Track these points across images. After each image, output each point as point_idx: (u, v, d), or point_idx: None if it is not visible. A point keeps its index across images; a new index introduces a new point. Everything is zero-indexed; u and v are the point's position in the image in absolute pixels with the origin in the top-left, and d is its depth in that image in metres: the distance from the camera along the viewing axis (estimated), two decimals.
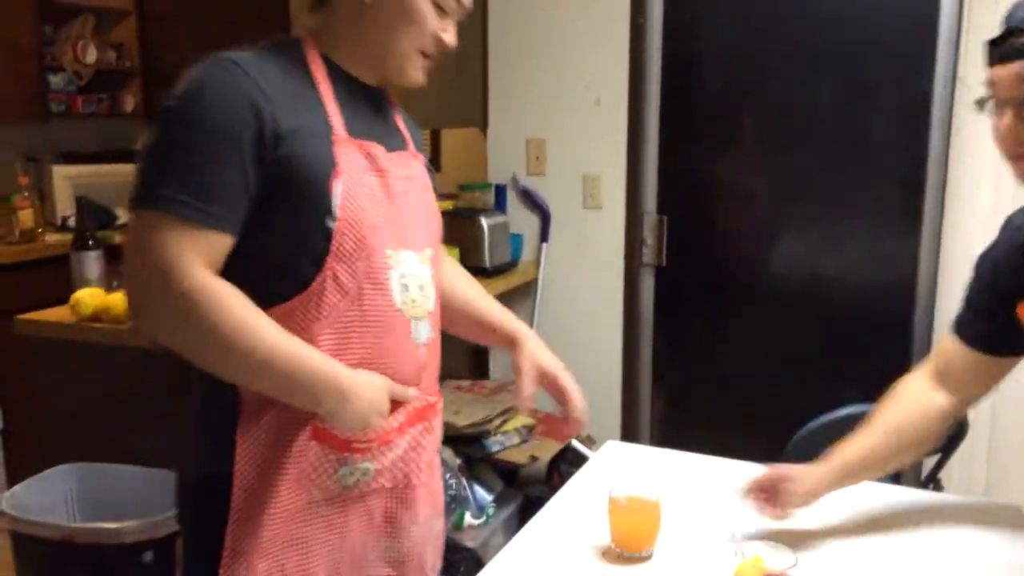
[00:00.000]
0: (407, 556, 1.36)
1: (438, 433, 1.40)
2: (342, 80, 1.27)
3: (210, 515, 1.21)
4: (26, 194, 3.58)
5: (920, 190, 2.75)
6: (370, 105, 1.31)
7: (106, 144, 4.22)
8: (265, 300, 1.16)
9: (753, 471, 1.43)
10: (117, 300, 2.18)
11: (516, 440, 2.71)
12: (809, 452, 2.09)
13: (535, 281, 3.15)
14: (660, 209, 3.03)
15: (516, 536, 1.45)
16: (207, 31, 2.33)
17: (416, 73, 1.29)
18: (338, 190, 1.17)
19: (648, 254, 3.05)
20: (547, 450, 2.73)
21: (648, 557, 1.37)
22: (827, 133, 2.88)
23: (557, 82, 3.04)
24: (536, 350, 1.47)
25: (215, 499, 1.21)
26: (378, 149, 1.26)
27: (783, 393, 3.00)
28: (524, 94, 3.09)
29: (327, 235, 1.17)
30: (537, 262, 3.16)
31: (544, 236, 3.15)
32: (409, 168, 1.33)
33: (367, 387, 1.20)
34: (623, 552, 1.37)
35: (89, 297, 2.21)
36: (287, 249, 1.18)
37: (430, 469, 1.37)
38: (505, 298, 3.12)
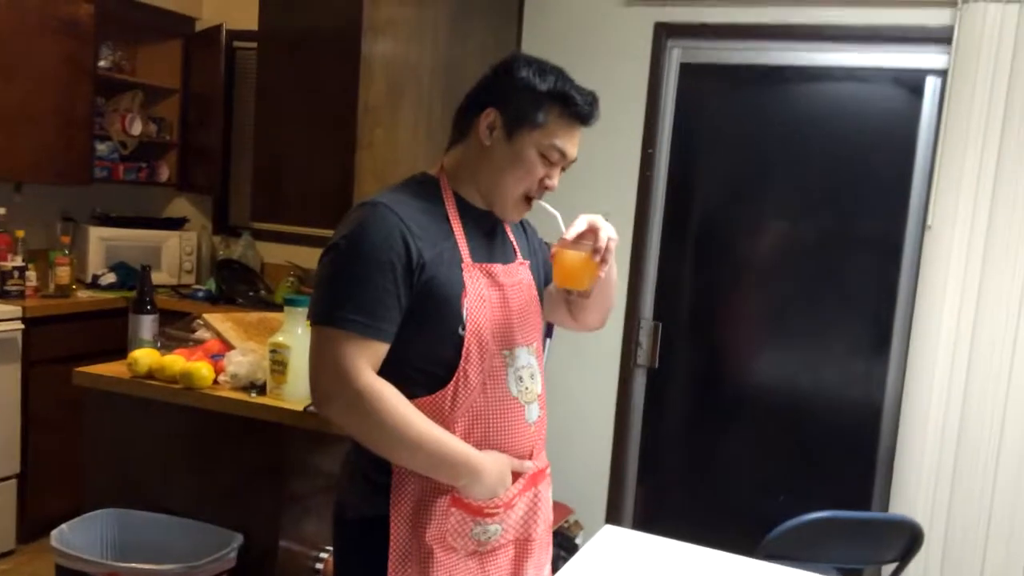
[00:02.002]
0: None
1: (549, 493, 1.72)
2: (467, 211, 1.59)
3: (366, 550, 1.54)
4: (67, 252, 3.82)
5: (890, 320, 3.07)
6: (488, 229, 1.63)
7: (139, 209, 4.49)
8: (412, 393, 1.49)
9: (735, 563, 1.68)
10: (172, 361, 2.39)
11: None
12: (779, 552, 2.35)
13: None
14: (656, 316, 3.33)
15: None
16: (296, 121, 2.61)
17: (516, 215, 1.61)
18: (466, 306, 1.50)
19: (642, 356, 3.34)
20: None
21: (588, 293, 1.60)
22: (809, 262, 3.21)
23: (572, 197, 3.35)
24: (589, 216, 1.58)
25: (371, 537, 1.53)
26: (496, 268, 1.58)
27: (757, 494, 3.25)
28: (542, 206, 3.40)
29: (459, 342, 1.49)
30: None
31: (549, 332, 3.42)
32: (518, 276, 1.64)
33: (495, 464, 1.52)
34: (571, 290, 1.59)
35: (145, 356, 2.41)
36: (428, 352, 1.50)
37: (546, 524, 1.69)
38: None
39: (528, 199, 1.58)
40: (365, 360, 1.44)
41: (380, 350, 1.47)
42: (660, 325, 3.32)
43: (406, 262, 1.46)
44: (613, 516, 3.35)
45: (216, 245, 4.53)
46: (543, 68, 1.56)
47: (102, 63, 4.18)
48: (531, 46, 3.41)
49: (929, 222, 2.85)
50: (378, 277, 1.45)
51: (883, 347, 3.08)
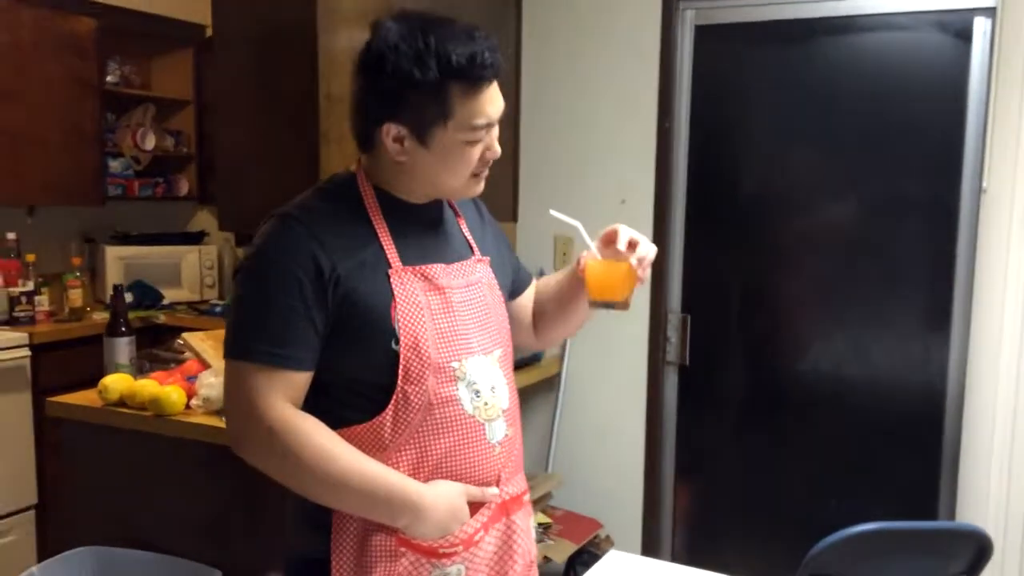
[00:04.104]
0: None
1: (529, 524, 1.49)
2: (394, 208, 1.38)
3: None
4: (78, 274, 3.74)
5: (948, 297, 2.71)
6: (425, 225, 1.42)
7: (159, 226, 4.40)
8: (345, 422, 1.32)
9: None
10: (143, 386, 2.25)
11: None
12: (824, 571, 2.06)
13: (559, 376, 3.16)
14: (684, 308, 3.04)
15: None
16: (247, 116, 2.47)
17: (475, 189, 1.40)
18: (398, 316, 1.30)
19: (672, 352, 3.05)
20: (562, 551, 2.70)
21: (622, 308, 1.45)
22: (854, 238, 2.87)
23: (585, 182, 3.11)
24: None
25: None
26: (434, 269, 1.37)
27: (807, 500, 2.93)
28: (553, 193, 3.16)
29: (394, 358, 1.29)
30: (561, 357, 3.17)
31: None
32: (471, 275, 1.43)
33: (442, 498, 1.32)
34: (605, 302, 1.44)
35: (116, 383, 2.28)
36: (361, 374, 1.32)
37: (525, 561, 1.47)
38: (528, 392, 3.14)
39: (477, 174, 1.38)
40: (279, 393, 1.28)
41: (297, 380, 1.30)
42: (689, 317, 3.02)
43: (316, 278, 1.28)
44: (649, 530, 3.07)
45: (240, 257, 4.40)
46: (416, 50, 1.26)
47: (110, 78, 4.10)
48: (531, 23, 3.16)
49: (985, 184, 2.49)
50: (284, 299, 1.27)
51: (942, 327, 2.72)
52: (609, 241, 1.43)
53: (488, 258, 1.50)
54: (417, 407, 1.31)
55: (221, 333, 2.55)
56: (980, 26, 2.59)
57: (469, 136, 1.31)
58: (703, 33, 2.94)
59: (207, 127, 4.35)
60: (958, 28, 2.64)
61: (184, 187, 4.44)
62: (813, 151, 2.92)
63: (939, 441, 2.74)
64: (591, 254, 1.44)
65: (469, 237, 1.50)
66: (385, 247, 1.34)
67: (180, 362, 2.54)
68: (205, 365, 2.38)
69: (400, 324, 1.30)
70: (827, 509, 2.85)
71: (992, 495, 2.50)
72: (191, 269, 4.21)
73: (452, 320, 1.36)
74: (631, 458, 3.08)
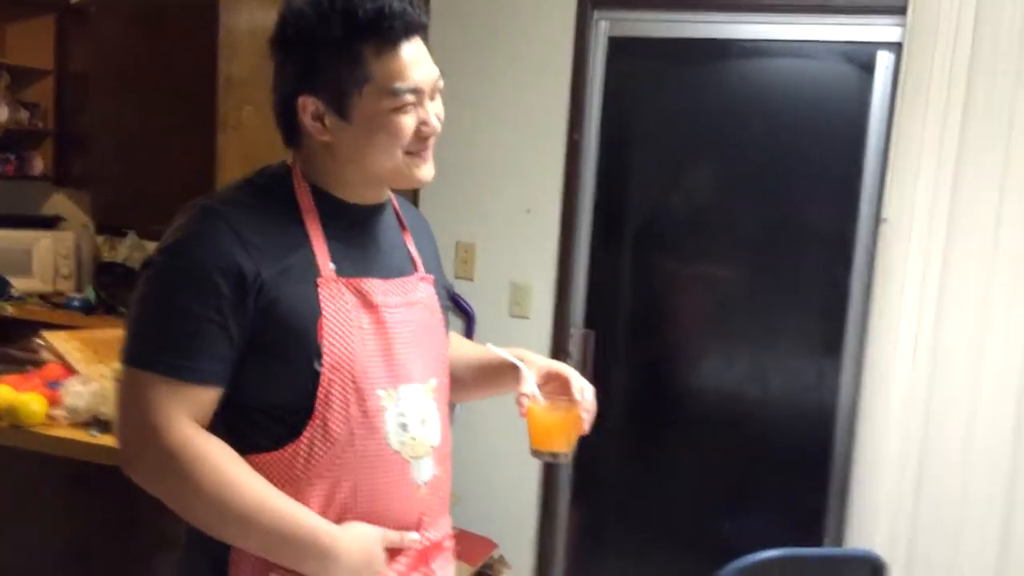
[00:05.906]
0: None
1: (449, 572, 1.36)
2: (333, 209, 1.23)
3: None
4: None
5: (842, 322, 2.77)
6: (365, 233, 1.28)
7: (9, 207, 3.99)
8: (255, 447, 1.18)
9: None
10: None
11: None
12: None
13: None
14: (588, 323, 2.99)
15: None
16: (130, 95, 2.23)
17: (419, 171, 1.25)
18: (324, 333, 1.16)
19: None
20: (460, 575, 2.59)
21: (566, 459, 1.38)
22: (755, 258, 2.91)
23: (489, 189, 3.01)
24: (538, 359, 1.43)
25: None
26: (370, 284, 1.23)
27: (703, 520, 2.94)
28: (455, 198, 3.04)
29: (315, 380, 1.15)
30: None
31: (468, 335, 3.06)
32: (411, 294, 1.29)
33: (355, 542, 1.18)
34: (551, 452, 1.36)
35: None
36: (276, 395, 1.18)
37: None
38: None
39: (413, 152, 1.24)
40: (181, 409, 1.13)
41: (204, 396, 1.15)
42: (593, 333, 2.97)
43: (237, 282, 1.13)
44: (543, 549, 3.00)
45: (100, 246, 4.05)
46: (320, 11, 1.15)
47: None
48: (439, 23, 3.02)
49: (884, 214, 2.55)
50: (197, 304, 1.12)
51: (835, 353, 2.78)
52: (551, 379, 1.38)
53: (432, 276, 1.38)
54: (336, 437, 1.18)
55: (88, 334, 2.33)
56: (883, 60, 2.67)
57: (391, 103, 1.18)
58: (616, 45, 2.90)
59: (69, 101, 3.98)
60: (863, 60, 2.70)
61: (38, 166, 4.04)
62: (717, 171, 2.94)
63: (830, 464, 2.80)
64: (533, 398, 1.34)
65: (414, 252, 1.37)
66: (316, 253, 1.20)
67: (38, 364, 2.27)
68: (70, 370, 2.13)
69: (326, 342, 1.16)
70: (721, 529, 2.87)
71: (881, 517, 2.56)
72: (44, 257, 3.82)
73: (384, 342, 1.23)
74: (526, 476, 3.00)
